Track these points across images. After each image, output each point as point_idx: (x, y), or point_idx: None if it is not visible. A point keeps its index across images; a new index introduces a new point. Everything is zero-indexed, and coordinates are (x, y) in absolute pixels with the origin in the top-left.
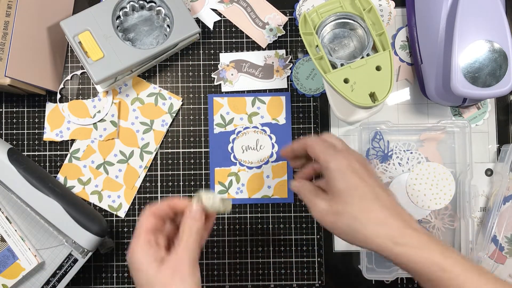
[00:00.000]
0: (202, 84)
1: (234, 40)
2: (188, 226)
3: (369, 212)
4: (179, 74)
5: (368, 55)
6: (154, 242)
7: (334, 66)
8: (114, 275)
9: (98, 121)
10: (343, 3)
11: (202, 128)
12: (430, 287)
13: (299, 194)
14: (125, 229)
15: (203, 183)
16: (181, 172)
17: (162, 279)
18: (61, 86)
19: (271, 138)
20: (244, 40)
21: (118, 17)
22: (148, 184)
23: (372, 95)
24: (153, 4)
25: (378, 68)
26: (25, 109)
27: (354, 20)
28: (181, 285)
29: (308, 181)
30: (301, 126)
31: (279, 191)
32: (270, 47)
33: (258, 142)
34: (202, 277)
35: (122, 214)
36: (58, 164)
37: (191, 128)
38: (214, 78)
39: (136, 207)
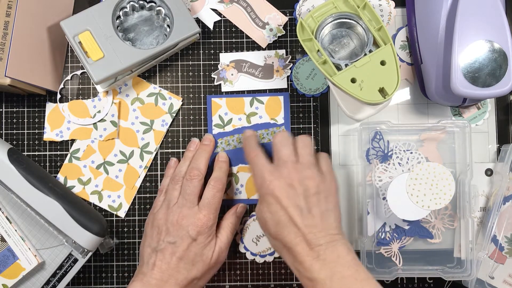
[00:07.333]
0: (202, 84)
1: (234, 40)
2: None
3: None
4: (179, 74)
5: (370, 51)
6: None
7: (338, 68)
8: (114, 275)
9: (98, 121)
10: (337, 3)
11: (202, 128)
12: (291, 260)
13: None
14: (125, 229)
15: None
16: None
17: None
18: (61, 86)
19: None
20: (244, 40)
21: (118, 17)
22: (148, 184)
23: (382, 90)
24: (153, 4)
25: (382, 63)
26: (25, 109)
27: (351, 19)
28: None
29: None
30: (301, 126)
31: None
32: (270, 47)
33: None
34: None
35: (122, 214)
36: (58, 164)
37: (191, 128)
38: (214, 78)
39: (136, 207)
